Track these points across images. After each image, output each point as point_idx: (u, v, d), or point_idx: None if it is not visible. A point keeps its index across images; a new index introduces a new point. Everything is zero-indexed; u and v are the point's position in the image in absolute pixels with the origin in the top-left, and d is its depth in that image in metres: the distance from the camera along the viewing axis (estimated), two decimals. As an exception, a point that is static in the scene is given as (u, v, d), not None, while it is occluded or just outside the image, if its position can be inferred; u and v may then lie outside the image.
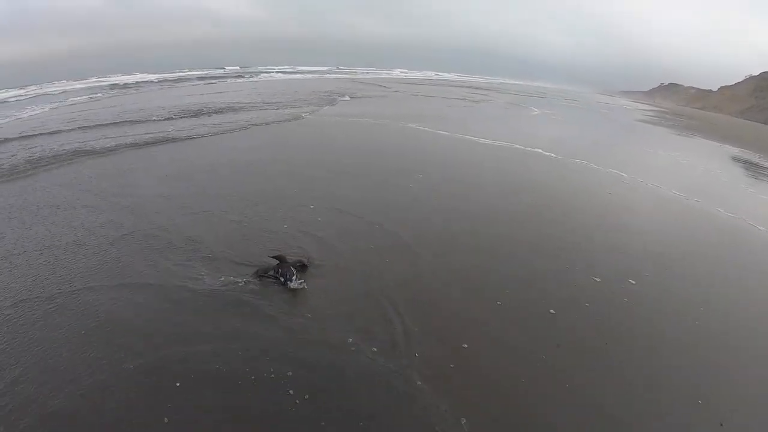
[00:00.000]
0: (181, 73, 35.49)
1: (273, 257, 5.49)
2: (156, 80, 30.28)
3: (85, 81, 28.56)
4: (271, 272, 5.33)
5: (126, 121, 13.91)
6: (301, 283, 5.14)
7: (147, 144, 11.08)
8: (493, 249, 6.60)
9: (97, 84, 27.46)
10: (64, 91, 23.07)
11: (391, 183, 9.23)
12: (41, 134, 11.83)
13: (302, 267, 5.53)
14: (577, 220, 8.30)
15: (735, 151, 22.37)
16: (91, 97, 20.72)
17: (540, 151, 13.83)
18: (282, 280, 5.18)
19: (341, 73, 50.13)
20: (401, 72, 64.22)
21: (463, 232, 7.09)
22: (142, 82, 29.36)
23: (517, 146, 14.24)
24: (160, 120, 14.18)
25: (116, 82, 29.00)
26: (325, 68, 51.82)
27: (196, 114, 15.52)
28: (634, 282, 6.04)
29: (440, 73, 75.25)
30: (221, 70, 40.65)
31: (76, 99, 20.02)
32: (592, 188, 10.85)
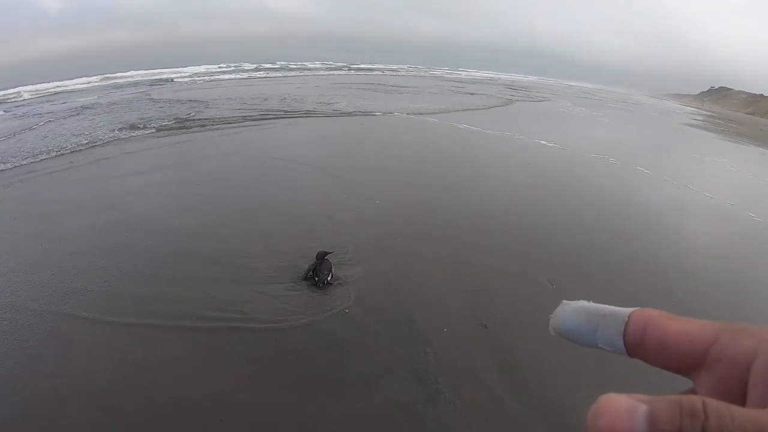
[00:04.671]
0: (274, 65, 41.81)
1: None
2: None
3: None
4: (310, 273, 5.08)
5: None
6: (330, 281, 4.98)
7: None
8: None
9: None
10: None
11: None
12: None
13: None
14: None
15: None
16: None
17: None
18: (315, 279, 4.99)
19: (419, 71, 54.08)
20: (474, 72, 67.49)
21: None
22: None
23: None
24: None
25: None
26: (406, 66, 56.15)
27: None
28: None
29: (499, 74, 78.04)
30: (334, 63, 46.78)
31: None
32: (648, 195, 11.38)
